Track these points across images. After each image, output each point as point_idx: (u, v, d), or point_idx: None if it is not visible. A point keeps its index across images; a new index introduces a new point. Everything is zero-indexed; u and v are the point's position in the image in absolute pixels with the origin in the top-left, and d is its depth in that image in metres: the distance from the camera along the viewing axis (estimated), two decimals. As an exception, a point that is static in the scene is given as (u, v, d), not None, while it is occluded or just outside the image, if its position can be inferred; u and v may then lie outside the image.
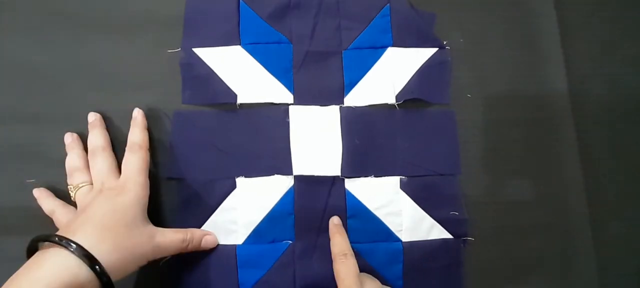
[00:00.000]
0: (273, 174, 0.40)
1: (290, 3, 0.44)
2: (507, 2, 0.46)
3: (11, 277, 0.30)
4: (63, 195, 0.40)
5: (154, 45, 0.43)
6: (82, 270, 0.29)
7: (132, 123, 0.40)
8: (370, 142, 0.42)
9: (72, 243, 0.30)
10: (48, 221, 0.39)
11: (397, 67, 0.43)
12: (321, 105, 0.42)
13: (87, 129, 0.40)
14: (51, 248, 0.30)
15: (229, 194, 0.40)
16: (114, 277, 0.31)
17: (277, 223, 0.40)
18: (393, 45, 0.44)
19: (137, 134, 0.39)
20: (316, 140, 0.41)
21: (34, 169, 0.41)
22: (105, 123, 0.41)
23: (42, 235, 0.31)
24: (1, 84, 0.43)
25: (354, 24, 0.44)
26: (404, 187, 0.41)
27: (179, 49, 0.43)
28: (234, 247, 0.39)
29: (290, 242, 0.40)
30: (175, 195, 0.41)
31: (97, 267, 0.30)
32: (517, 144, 0.43)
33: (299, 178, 0.40)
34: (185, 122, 0.42)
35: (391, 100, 0.43)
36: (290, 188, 0.40)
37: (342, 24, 0.44)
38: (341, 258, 0.36)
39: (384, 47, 0.44)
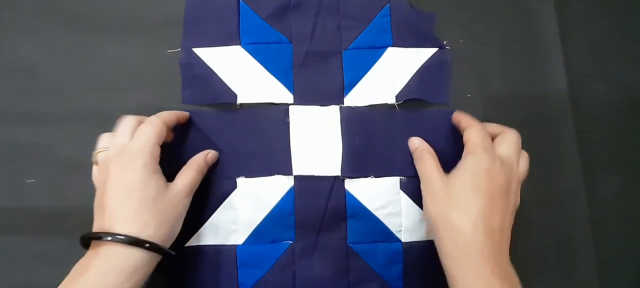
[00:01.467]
0: (273, 174, 0.40)
1: (290, 3, 0.44)
2: (507, 2, 0.46)
3: (73, 275, 0.31)
4: (65, 193, 0.40)
5: (154, 45, 0.43)
6: (136, 255, 0.32)
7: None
8: (370, 142, 0.42)
9: (119, 236, 0.31)
10: (49, 221, 0.39)
11: (397, 67, 0.43)
12: (321, 105, 0.42)
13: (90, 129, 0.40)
14: (103, 245, 0.31)
15: (229, 194, 0.40)
16: (167, 244, 0.34)
17: (278, 223, 0.40)
18: (393, 45, 0.44)
19: (165, 114, 0.39)
20: (316, 140, 0.41)
21: (34, 169, 0.41)
22: (105, 123, 0.41)
23: (91, 234, 0.32)
24: (1, 84, 0.43)
25: (354, 24, 0.44)
26: (404, 187, 0.41)
27: (179, 49, 0.43)
28: (234, 247, 0.39)
29: (291, 242, 0.40)
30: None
31: (147, 245, 0.32)
32: (517, 144, 0.43)
33: (299, 179, 0.40)
34: (185, 122, 0.41)
35: (391, 100, 0.43)
36: (291, 189, 0.40)
37: (342, 24, 0.44)
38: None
39: (384, 47, 0.44)
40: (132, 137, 0.35)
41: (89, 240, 0.32)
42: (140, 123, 0.36)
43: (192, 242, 0.40)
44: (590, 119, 0.44)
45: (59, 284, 0.30)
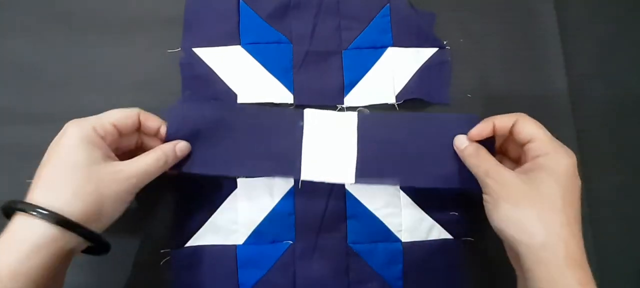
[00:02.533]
0: (274, 174, 0.40)
1: (290, 3, 0.44)
2: (507, 2, 0.46)
3: None
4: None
5: (154, 45, 0.43)
6: (38, 229, 0.28)
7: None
8: (383, 148, 0.40)
9: (30, 207, 0.28)
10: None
11: (397, 67, 0.43)
12: (321, 106, 0.42)
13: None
14: (18, 217, 0.29)
15: (229, 194, 0.40)
16: (91, 225, 0.30)
17: (278, 223, 0.40)
18: (393, 45, 0.44)
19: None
20: (329, 146, 0.40)
21: (34, 169, 0.40)
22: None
23: (5, 203, 0.30)
24: (1, 84, 0.43)
25: (354, 24, 0.44)
26: (404, 187, 0.41)
27: (179, 49, 0.43)
28: (234, 247, 0.39)
29: (291, 242, 0.40)
30: (175, 195, 0.40)
31: (62, 221, 0.28)
32: (517, 144, 0.43)
33: (302, 181, 0.40)
34: (185, 122, 0.41)
35: (391, 100, 0.43)
36: (291, 189, 0.40)
37: (342, 24, 0.44)
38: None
39: (384, 47, 0.44)
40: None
41: (5, 212, 0.30)
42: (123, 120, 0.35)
43: (192, 242, 0.40)
44: (590, 119, 0.44)
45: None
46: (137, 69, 0.43)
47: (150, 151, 0.35)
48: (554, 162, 0.33)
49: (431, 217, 0.41)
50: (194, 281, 0.39)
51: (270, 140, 0.39)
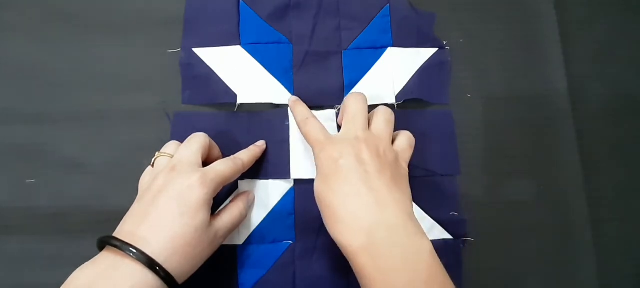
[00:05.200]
0: (273, 176, 0.40)
1: (290, 3, 0.44)
2: (507, 2, 0.46)
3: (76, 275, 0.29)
4: (65, 193, 0.40)
5: (154, 45, 0.43)
6: (148, 280, 0.29)
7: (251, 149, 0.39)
8: None
9: (143, 255, 0.29)
10: (49, 221, 0.39)
11: (397, 67, 0.43)
12: (319, 109, 0.42)
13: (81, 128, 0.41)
14: (119, 256, 0.29)
15: (230, 195, 0.40)
16: (182, 280, 0.31)
17: (278, 223, 0.40)
18: (393, 45, 0.44)
19: (244, 153, 0.38)
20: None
21: (34, 169, 0.41)
22: (105, 123, 0.41)
23: (114, 239, 0.30)
24: (1, 84, 0.43)
25: (354, 24, 0.44)
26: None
27: (179, 49, 0.43)
28: (235, 247, 0.39)
29: (291, 242, 0.40)
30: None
31: (163, 274, 0.29)
32: (517, 144, 0.43)
33: (298, 180, 0.40)
34: (185, 122, 0.41)
35: (391, 100, 0.43)
36: (291, 189, 0.40)
37: (342, 24, 0.44)
38: (304, 121, 0.37)
39: (384, 47, 0.44)
40: (199, 156, 0.34)
41: (108, 244, 0.30)
42: (209, 146, 0.36)
43: (192, 242, 0.40)
44: (590, 119, 0.44)
45: (59, 284, 0.30)
46: (137, 69, 0.43)
47: (232, 206, 0.36)
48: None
49: (431, 217, 0.41)
50: (194, 281, 0.39)
51: (264, 139, 0.41)
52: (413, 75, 0.43)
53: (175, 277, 0.30)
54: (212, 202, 0.33)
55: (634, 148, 0.44)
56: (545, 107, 0.44)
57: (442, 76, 0.44)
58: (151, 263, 0.29)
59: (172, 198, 0.31)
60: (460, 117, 0.43)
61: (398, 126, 0.42)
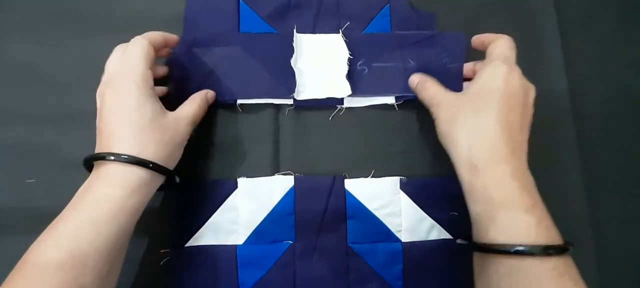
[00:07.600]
0: (274, 174, 0.40)
1: (290, 3, 0.44)
2: (507, 2, 0.46)
3: (79, 194, 0.32)
4: (65, 193, 0.40)
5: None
6: (139, 173, 0.32)
7: None
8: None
9: (122, 155, 0.32)
10: (49, 221, 0.39)
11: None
12: (321, 106, 0.42)
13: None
14: (106, 165, 0.32)
15: (230, 194, 0.40)
16: (169, 166, 0.34)
17: (278, 223, 0.40)
18: (393, 45, 0.44)
19: (151, 34, 0.38)
20: (316, 64, 0.42)
21: (34, 169, 0.41)
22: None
23: (93, 154, 0.33)
24: (1, 83, 0.43)
25: (354, 24, 0.44)
26: (403, 187, 0.41)
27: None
28: (235, 247, 0.39)
29: (291, 242, 0.40)
30: (176, 195, 0.40)
31: (151, 165, 0.32)
32: (517, 144, 0.43)
33: (299, 179, 0.40)
34: (186, 69, 0.41)
35: (391, 100, 0.43)
36: (291, 189, 0.40)
37: (342, 24, 0.44)
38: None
39: (384, 47, 0.44)
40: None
41: (91, 160, 0.33)
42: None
43: (192, 242, 0.40)
44: (590, 119, 0.44)
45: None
46: (137, 69, 0.43)
47: (190, 100, 0.38)
48: (487, 73, 0.34)
49: (431, 217, 0.41)
50: (194, 281, 0.39)
51: (266, 63, 0.42)
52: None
53: (160, 163, 0.33)
54: (152, 91, 0.35)
55: (634, 148, 0.44)
56: (545, 107, 0.44)
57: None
58: (133, 160, 0.32)
59: (113, 104, 0.33)
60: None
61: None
